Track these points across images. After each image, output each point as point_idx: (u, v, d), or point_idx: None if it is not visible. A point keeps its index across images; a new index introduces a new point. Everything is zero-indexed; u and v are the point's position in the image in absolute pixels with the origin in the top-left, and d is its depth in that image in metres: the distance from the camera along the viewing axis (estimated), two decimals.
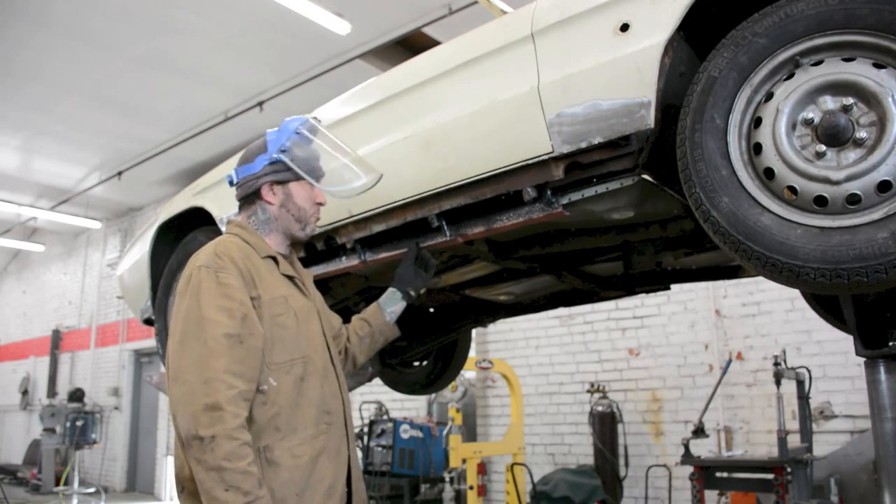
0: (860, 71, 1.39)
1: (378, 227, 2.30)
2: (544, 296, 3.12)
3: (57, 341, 14.13)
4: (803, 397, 4.78)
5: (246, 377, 1.55)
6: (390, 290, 2.19)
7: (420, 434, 7.19)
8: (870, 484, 4.60)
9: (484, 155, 1.95)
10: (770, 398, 5.64)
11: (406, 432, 7.11)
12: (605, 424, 6.40)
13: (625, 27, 1.67)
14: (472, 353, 4.72)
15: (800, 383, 4.78)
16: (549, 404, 7.41)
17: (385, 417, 7.52)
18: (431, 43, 6.60)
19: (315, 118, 1.97)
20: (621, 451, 6.47)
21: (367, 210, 2.28)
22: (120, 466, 12.13)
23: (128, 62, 7.54)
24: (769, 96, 1.49)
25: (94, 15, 6.64)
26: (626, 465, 6.44)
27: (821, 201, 1.40)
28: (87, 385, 12.41)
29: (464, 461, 6.15)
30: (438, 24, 6.54)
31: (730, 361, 5.96)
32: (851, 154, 1.39)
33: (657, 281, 2.86)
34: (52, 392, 13.44)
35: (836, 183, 1.38)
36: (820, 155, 1.41)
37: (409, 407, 8.42)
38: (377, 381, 3.68)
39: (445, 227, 2.15)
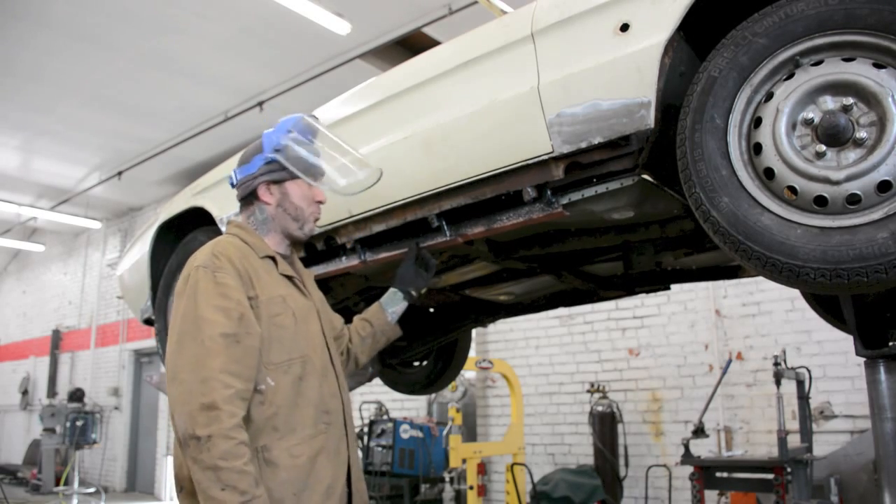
0: (860, 71, 1.39)
1: (378, 227, 2.30)
2: (544, 296, 3.12)
3: (57, 341, 14.13)
4: (803, 397, 4.78)
5: (243, 377, 1.55)
6: (391, 290, 2.19)
7: (420, 434, 7.19)
8: (870, 484, 4.60)
9: (484, 155, 1.95)
10: (770, 398, 5.64)
11: (406, 432, 7.11)
12: (605, 424, 6.41)
13: (625, 27, 1.67)
14: (472, 353, 4.72)
15: (800, 383, 4.78)
16: (549, 404, 7.41)
17: (385, 417, 7.52)
18: (431, 43, 6.60)
19: (312, 116, 1.97)
20: (621, 451, 6.47)
21: (367, 210, 2.28)
22: (120, 466, 12.13)
23: (128, 62, 7.54)
24: (769, 96, 1.49)
25: (95, 15, 6.64)
26: (626, 465, 6.44)
27: (821, 201, 1.40)
28: (87, 385, 12.41)
29: (464, 461, 6.15)
30: (438, 24, 6.54)
31: (730, 361, 5.96)
32: (851, 154, 1.39)
33: (657, 281, 2.86)
34: (52, 392, 13.44)
35: (836, 183, 1.38)
36: (820, 155, 1.42)
37: (409, 407, 8.42)
38: (377, 381, 3.68)
39: (445, 227, 2.15)
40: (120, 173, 10.75)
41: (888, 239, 1.30)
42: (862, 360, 2.11)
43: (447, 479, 6.66)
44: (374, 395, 7.86)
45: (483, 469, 6.38)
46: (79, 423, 9.57)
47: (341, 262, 2.48)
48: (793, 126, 1.45)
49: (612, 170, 1.79)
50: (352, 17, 6.42)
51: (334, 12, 6.28)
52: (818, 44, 1.44)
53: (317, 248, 2.53)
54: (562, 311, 6.83)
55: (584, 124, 1.74)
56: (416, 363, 3.76)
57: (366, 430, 7.41)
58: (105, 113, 8.82)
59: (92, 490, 9.84)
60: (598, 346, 7.15)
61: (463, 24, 5.94)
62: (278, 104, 8.14)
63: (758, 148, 1.48)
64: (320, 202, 1.88)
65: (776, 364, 4.69)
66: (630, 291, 2.96)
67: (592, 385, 6.72)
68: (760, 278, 2.12)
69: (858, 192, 1.36)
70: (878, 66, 1.38)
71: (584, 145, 1.76)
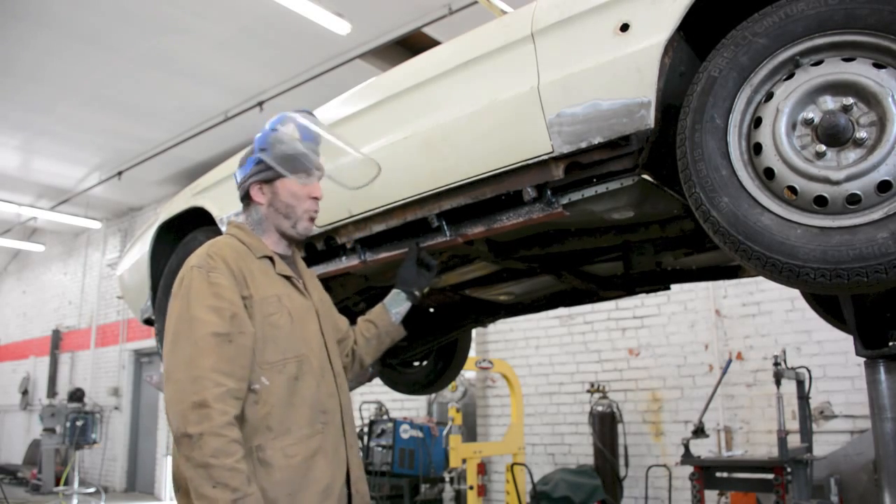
0: (860, 71, 1.39)
1: (378, 227, 2.30)
2: (544, 296, 3.12)
3: (57, 341, 14.13)
4: (803, 397, 4.78)
5: (236, 376, 1.56)
6: (394, 291, 2.19)
7: (420, 434, 7.19)
8: (870, 484, 4.60)
9: (484, 155, 1.95)
10: (770, 398, 5.64)
11: (406, 432, 7.11)
12: (605, 424, 6.41)
13: (625, 27, 1.67)
14: (472, 353, 4.72)
15: (800, 383, 4.78)
16: (549, 404, 7.41)
17: (385, 417, 7.53)
18: (431, 43, 6.60)
19: (305, 112, 1.97)
20: (621, 451, 6.47)
21: (367, 210, 2.28)
22: (120, 466, 12.13)
23: (128, 62, 7.54)
24: (769, 96, 1.49)
25: (95, 15, 6.64)
26: (626, 465, 6.44)
27: (821, 201, 1.40)
28: (87, 385, 12.40)
29: (464, 461, 6.15)
30: (438, 24, 6.54)
31: (730, 361, 5.96)
32: (851, 154, 1.39)
33: (657, 281, 2.86)
34: (52, 392, 13.44)
35: (836, 183, 1.38)
36: (820, 155, 1.42)
37: (409, 407, 8.42)
38: (377, 381, 3.67)
39: (445, 227, 2.15)
40: (120, 173, 10.75)
41: (888, 239, 1.30)
42: (862, 360, 2.11)
43: (447, 479, 6.66)
44: (374, 395, 7.86)
45: (483, 469, 6.38)
46: (79, 423, 9.57)
47: (341, 262, 2.48)
48: (793, 126, 1.45)
49: (612, 170, 1.79)
50: (352, 17, 6.42)
51: (334, 12, 6.28)
52: (818, 44, 1.44)
53: (317, 248, 2.53)
54: (562, 311, 6.82)
55: (584, 124, 1.74)
56: (416, 363, 3.76)
57: (366, 430, 7.41)
58: (105, 113, 8.82)
59: (92, 490, 9.84)
60: (598, 346, 7.15)
61: (463, 24, 5.94)
62: (278, 104, 8.13)
63: (758, 148, 1.48)
64: (315, 198, 1.87)
65: (776, 364, 4.69)
66: (630, 291, 2.96)
67: (592, 385, 6.72)
68: (760, 278, 2.12)
69: (858, 192, 1.36)
70: (878, 66, 1.38)
71: (584, 145, 1.76)
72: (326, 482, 1.66)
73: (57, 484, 10.13)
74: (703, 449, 5.60)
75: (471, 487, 6.05)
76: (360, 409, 7.74)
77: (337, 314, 2.05)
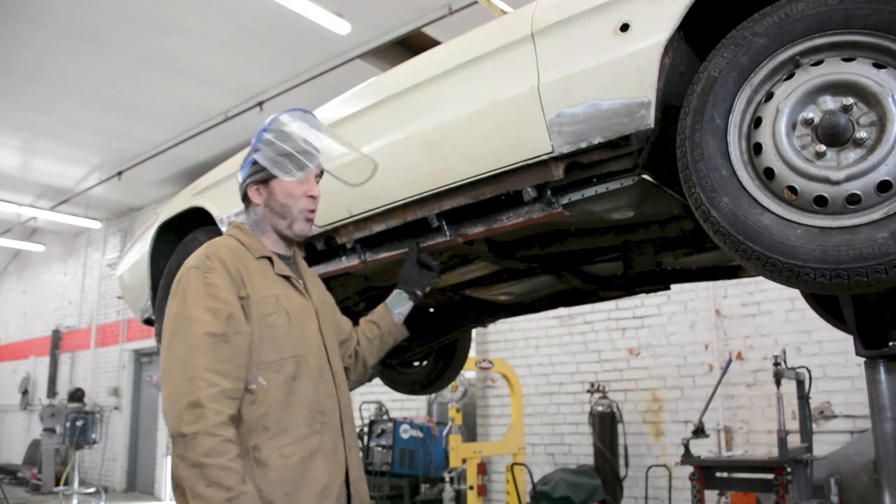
0: (860, 71, 1.39)
1: (378, 227, 2.30)
2: (544, 296, 3.12)
3: (57, 341, 14.13)
4: (803, 397, 4.78)
5: (232, 376, 1.56)
6: (396, 291, 2.19)
7: (420, 434, 7.19)
8: (870, 484, 4.60)
9: (484, 155, 1.96)
10: (770, 398, 5.64)
11: (406, 432, 7.11)
12: (605, 424, 6.40)
13: (625, 27, 1.67)
14: (472, 353, 4.72)
15: (800, 383, 4.78)
16: (549, 404, 7.41)
17: (385, 417, 7.52)
18: (431, 43, 6.60)
19: (301, 110, 1.96)
20: (621, 451, 6.47)
21: (367, 210, 2.28)
22: (120, 466, 12.13)
23: (128, 62, 7.54)
24: (769, 96, 1.49)
25: (95, 15, 6.64)
26: (626, 465, 6.44)
27: (821, 201, 1.40)
28: (87, 385, 12.41)
29: (464, 461, 6.15)
30: (438, 24, 6.54)
31: (730, 361, 5.96)
32: (851, 154, 1.39)
33: (657, 281, 2.86)
34: (52, 392, 13.44)
35: (836, 183, 1.38)
36: (820, 155, 1.42)
37: (409, 407, 8.42)
38: (377, 381, 3.68)
39: (445, 227, 2.15)
40: (120, 173, 10.75)
41: (888, 239, 1.30)
42: (862, 360, 2.11)
43: (447, 479, 6.66)
44: (374, 395, 7.86)
45: (483, 469, 6.38)
46: (79, 423, 9.57)
47: (341, 262, 2.48)
48: (793, 126, 1.45)
49: (612, 170, 1.79)
50: (352, 17, 6.42)
51: (334, 12, 6.28)
52: (818, 44, 1.44)
53: (317, 248, 2.53)
54: (562, 311, 6.82)
55: (584, 124, 1.74)
56: (416, 363, 3.76)
57: (366, 430, 7.41)
58: (105, 113, 8.82)
59: (92, 490, 9.84)
60: (598, 346, 7.15)
61: (463, 24, 5.94)
62: (278, 104, 8.13)
63: (758, 148, 1.48)
64: (312, 196, 1.86)
65: (776, 364, 4.69)
66: (630, 291, 2.96)
67: (592, 385, 6.72)
68: (760, 278, 2.12)
69: (858, 192, 1.36)
70: (878, 66, 1.38)
71: (584, 145, 1.76)
72: (324, 482, 1.66)
73: (57, 484, 10.12)
74: (703, 449, 5.60)
75: (471, 487, 6.05)
76: (360, 409, 7.74)
77: (339, 315, 2.05)
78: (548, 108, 1.79)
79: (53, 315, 14.53)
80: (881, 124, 1.37)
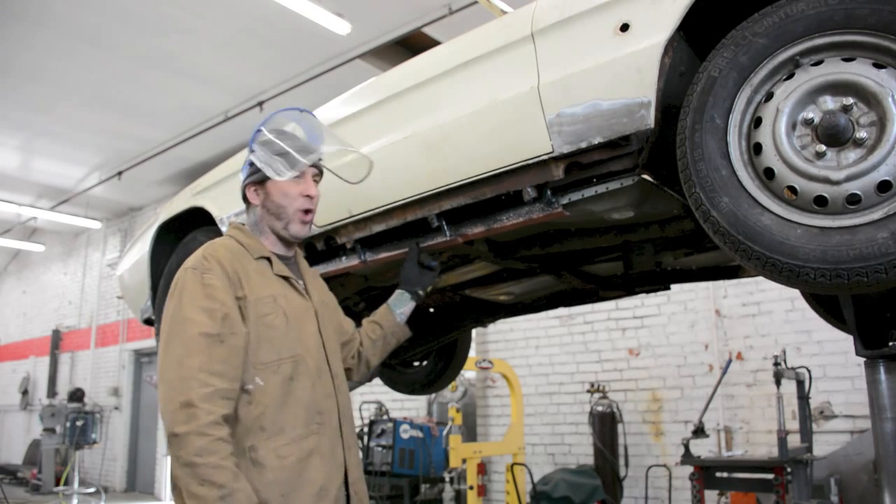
0: (860, 71, 1.39)
1: (378, 227, 2.30)
2: (544, 296, 3.12)
3: (57, 341, 14.13)
4: (803, 397, 4.78)
5: (226, 376, 1.56)
6: (398, 291, 2.19)
7: (420, 434, 7.19)
8: (870, 484, 4.60)
9: (484, 155, 1.96)
10: (770, 398, 5.64)
11: (406, 432, 7.11)
12: (605, 424, 6.40)
13: (625, 27, 1.67)
14: (472, 353, 4.72)
15: (800, 383, 4.78)
16: (549, 404, 7.41)
17: (385, 417, 7.52)
18: (431, 43, 6.60)
19: (298, 109, 1.96)
20: (621, 451, 6.47)
21: (367, 210, 2.28)
22: (120, 466, 12.13)
23: (128, 62, 7.54)
24: (769, 96, 1.49)
25: (95, 15, 6.64)
26: (626, 465, 6.44)
27: (821, 201, 1.40)
28: (87, 385, 12.41)
29: (464, 461, 6.15)
30: (438, 24, 6.54)
31: (730, 361, 5.96)
32: (851, 154, 1.39)
33: (657, 281, 2.86)
34: (52, 392, 13.44)
35: (836, 183, 1.38)
36: (820, 155, 1.42)
37: (409, 407, 8.42)
38: (377, 381, 3.68)
39: (445, 227, 2.15)
40: (120, 173, 10.75)
41: (888, 239, 1.30)
42: (862, 360, 2.11)
43: (447, 479, 6.66)
44: (374, 395, 7.86)
45: (483, 469, 6.38)
46: (79, 423, 9.57)
47: (341, 262, 2.48)
48: (793, 126, 1.45)
49: (612, 170, 1.79)
50: (352, 17, 6.42)
51: (334, 12, 6.28)
52: (818, 44, 1.44)
53: (317, 248, 2.53)
54: (562, 311, 6.82)
55: (584, 124, 1.74)
56: (416, 363, 3.76)
57: (366, 430, 7.41)
58: (105, 113, 8.82)
59: (92, 490, 9.84)
60: (598, 346, 7.15)
61: (463, 24, 5.94)
62: (278, 104, 8.13)
63: (758, 148, 1.48)
64: (308, 196, 1.85)
65: (776, 364, 4.69)
66: (630, 291, 2.96)
67: (592, 385, 6.72)
68: (760, 278, 2.12)
69: (858, 192, 1.36)
70: (878, 66, 1.38)
71: (584, 145, 1.76)
72: (321, 483, 1.66)
73: (57, 484, 10.12)
74: (703, 449, 5.60)
75: (471, 487, 6.05)
76: (360, 409, 7.74)
77: (342, 316, 2.05)
78: (548, 108, 1.79)
79: (53, 315, 14.53)
80: (881, 124, 1.37)
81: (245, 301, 1.67)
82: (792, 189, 1.43)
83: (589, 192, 1.86)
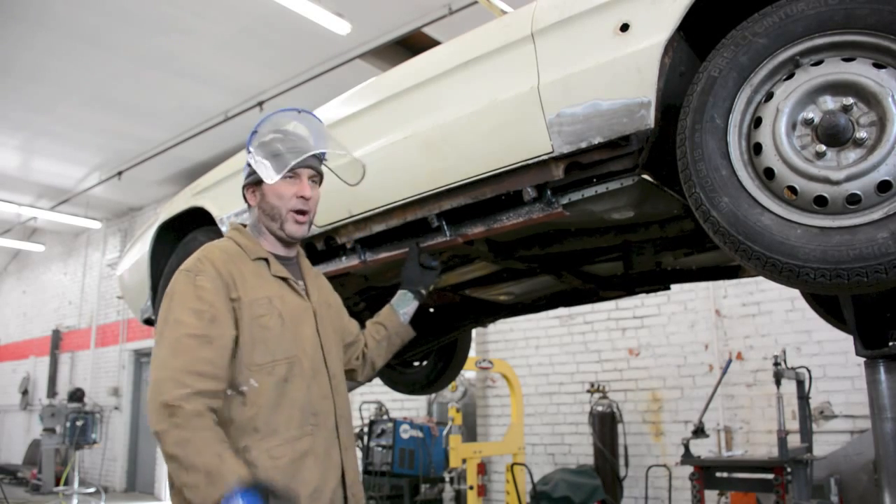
0: (860, 71, 1.39)
1: (378, 227, 2.30)
2: (544, 296, 3.12)
3: (57, 341, 14.13)
4: (803, 397, 4.78)
5: (211, 376, 1.56)
6: (400, 291, 2.19)
7: (420, 434, 7.19)
8: (870, 484, 4.60)
9: (484, 155, 1.96)
10: (770, 398, 5.64)
11: (406, 432, 7.11)
12: (605, 424, 6.40)
13: (625, 27, 1.67)
14: (472, 353, 4.72)
15: (800, 383, 4.78)
16: (549, 404, 7.41)
17: (385, 417, 7.52)
18: (431, 43, 6.60)
19: (297, 110, 1.96)
20: (621, 451, 6.47)
21: (367, 210, 2.28)
22: (120, 466, 12.13)
23: (128, 62, 7.54)
24: (769, 96, 1.49)
25: (95, 15, 6.64)
26: (626, 465, 6.44)
27: (821, 201, 1.40)
28: (87, 385, 12.40)
29: (464, 461, 6.15)
30: (438, 24, 6.54)
31: (730, 361, 5.96)
32: (851, 154, 1.39)
33: (657, 281, 2.86)
34: (52, 392, 13.44)
35: (836, 183, 1.38)
36: (820, 155, 1.42)
37: (409, 407, 8.42)
38: (377, 381, 3.67)
39: (445, 227, 2.15)
40: (120, 173, 10.75)
41: (888, 239, 1.30)
42: (862, 360, 2.11)
43: (447, 479, 6.66)
44: (374, 395, 7.86)
45: (483, 469, 6.38)
46: (79, 423, 9.57)
47: (341, 262, 2.48)
48: (793, 126, 1.45)
49: (612, 170, 1.79)
50: (352, 17, 6.42)
51: (334, 12, 6.28)
52: (818, 44, 1.44)
53: (317, 248, 2.53)
54: (562, 311, 6.82)
55: (584, 124, 1.74)
56: (416, 363, 3.77)
57: (366, 430, 7.41)
58: (105, 113, 8.82)
59: (92, 490, 9.84)
60: (598, 346, 7.15)
61: (463, 24, 5.94)
62: (278, 104, 8.13)
63: (758, 148, 1.48)
64: (303, 197, 1.83)
65: (776, 364, 4.69)
66: (630, 291, 2.96)
67: (592, 385, 6.72)
68: (760, 278, 2.11)
69: (858, 192, 1.36)
70: (878, 66, 1.38)
71: (584, 145, 1.76)
72: (315, 485, 1.66)
73: (57, 484, 10.12)
74: (703, 449, 5.60)
75: (471, 487, 6.05)
76: (360, 409, 7.74)
77: (347, 317, 2.05)
78: (548, 108, 1.79)
79: (53, 315, 14.53)
80: (881, 124, 1.37)
81: (239, 302, 1.68)
82: (792, 189, 1.43)
83: (589, 192, 1.86)
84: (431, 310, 3.33)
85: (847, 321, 2.12)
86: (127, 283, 3.57)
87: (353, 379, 2.08)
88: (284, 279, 1.82)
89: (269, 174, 1.79)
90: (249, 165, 1.85)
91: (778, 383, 4.69)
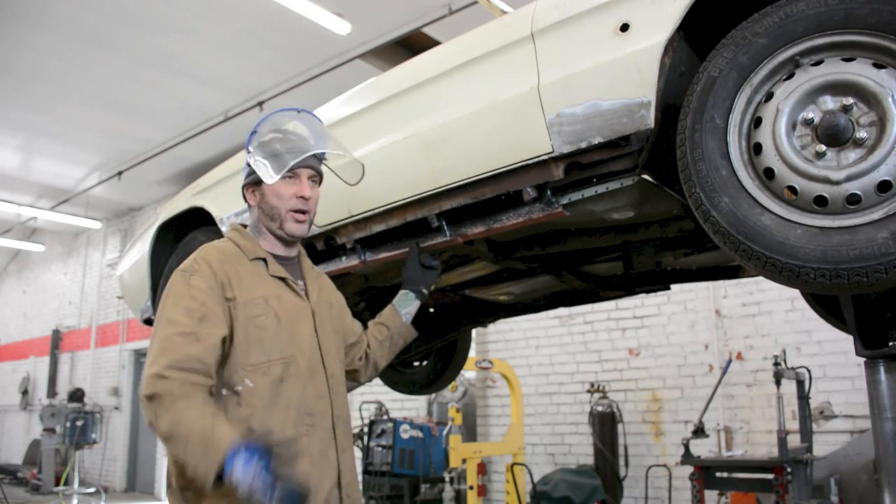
0: (860, 71, 1.39)
1: (378, 227, 2.30)
2: (544, 296, 3.12)
3: (57, 341, 14.13)
4: (803, 397, 4.78)
5: (196, 371, 1.56)
6: (402, 291, 2.19)
7: (420, 434, 7.19)
8: (870, 484, 4.60)
9: (484, 155, 1.96)
10: (770, 398, 5.64)
11: (406, 432, 7.11)
12: (605, 424, 6.40)
13: (625, 27, 1.67)
14: (472, 353, 4.72)
15: (800, 383, 4.78)
16: (549, 404, 7.41)
17: (385, 417, 7.52)
18: (431, 43, 6.60)
19: (296, 110, 1.96)
20: (621, 451, 6.47)
21: (367, 210, 2.28)
22: (120, 466, 12.13)
23: (128, 62, 7.54)
24: (769, 96, 1.49)
25: (95, 15, 6.64)
26: (626, 465, 6.44)
27: (821, 201, 1.40)
28: (87, 385, 12.41)
29: (464, 461, 6.15)
30: (438, 24, 6.54)
31: (730, 361, 5.96)
32: (851, 154, 1.39)
33: (657, 281, 2.86)
34: (52, 392, 13.44)
35: (836, 183, 1.38)
36: (820, 155, 1.42)
37: (409, 407, 8.42)
38: (377, 380, 3.67)
39: (445, 227, 2.15)
40: (120, 173, 10.75)
41: (888, 239, 1.30)
42: (862, 360, 2.11)
43: (447, 479, 6.66)
44: (374, 395, 7.86)
45: (483, 469, 6.38)
46: (79, 423, 9.57)
47: (341, 262, 2.48)
48: (793, 126, 1.45)
49: (612, 170, 1.79)
50: (352, 17, 6.42)
51: (334, 12, 6.28)
52: (818, 44, 1.44)
53: (317, 248, 2.53)
54: (562, 311, 6.83)
55: (584, 124, 1.74)
56: (416, 363, 3.77)
57: (366, 430, 7.41)
58: (105, 113, 8.82)
59: (92, 490, 9.84)
60: (598, 346, 7.15)
61: (463, 24, 5.94)
62: (278, 104, 8.13)
63: (758, 148, 1.48)
64: (302, 197, 1.83)
65: (776, 364, 4.69)
66: (630, 291, 2.96)
67: (592, 385, 6.72)
68: (760, 278, 2.12)
69: (858, 192, 1.36)
70: (878, 66, 1.38)
71: (584, 145, 1.76)
72: (310, 485, 1.65)
73: (57, 484, 10.12)
74: (703, 449, 5.60)
75: (471, 487, 6.05)
76: (360, 409, 7.74)
77: (349, 318, 2.04)
78: (548, 108, 1.79)
79: (53, 315, 14.53)
80: (881, 124, 1.37)
81: (235, 302, 1.68)
82: (792, 189, 1.43)
83: (589, 192, 1.86)
84: (431, 310, 3.33)
85: (847, 321, 2.12)
86: (127, 283, 3.57)
87: (355, 380, 2.08)
88: (283, 279, 1.81)
89: (268, 174, 1.79)
90: (249, 165, 1.85)
91: (778, 383, 4.69)
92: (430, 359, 3.72)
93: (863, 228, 1.34)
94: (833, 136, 1.40)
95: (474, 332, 5.40)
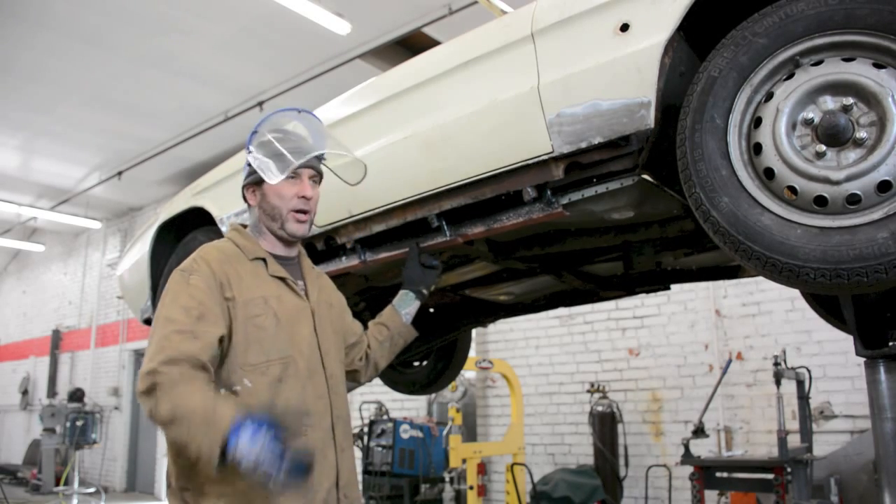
0: (860, 71, 1.39)
1: (378, 227, 2.30)
2: (544, 296, 3.12)
3: (57, 341, 14.13)
4: (803, 397, 4.78)
5: (193, 365, 1.56)
6: (402, 291, 2.19)
7: (420, 434, 7.19)
8: (870, 484, 4.60)
9: (484, 155, 1.96)
10: (770, 398, 5.64)
11: (406, 432, 7.11)
12: (605, 424, 6.40)
13: (625, 27, 1.67)
14: (472, 353, 4.72)
15: (800, 383, 4.78)
16: (549, 404, 7.41)
17: (385, 417, 7.52)
18: (431, 43, 6.60)
19: (296, 110, 1.96)
20: (621, 451, 6.47)
21: (367, 210, 2.28)
22: (120, 466, 12.13)
23: (128, 62, 7.55)
24: (769, 96, 1.49)
25: (95, 15, 6.64)
26: (626, 465, 6.44)
27: (821, 201, 1.40)
28: (87, 385, 12.40)
29: (464, 461, 6.15)
30: (438, 24, 6.54)
31: (730, 361, 5.96)
32: (851, 154, 1.39)
33: (657, 281, 2.86)
34: (52, 392, 13.44)
35: (836, 183, 1.38)
36: (820, 155, 1.42)
37: (409, 407, 8.42)
38: (377, 381, 3.67)
39: (445, 227, 2.15)
40: (120, 173, 10.75)
41: (888, 239, 1.30)
42: (862, 360, 2.11)
43: (447, 479, 6.66)
44: (374, 395, 7.86)
45: (483, 469, 6.38)
46: (79, 423, 9.56)
47: (341, 262, 2.48)
48: (793, 126, 1.45)
49: (612, 170, 1.79)
50: (352, 17, 6.42)
51: (334, 12, 6.28)
52: (818, 44, 1.44)
53: (317, 248, 2.53)
54: (562, 311, 6.83)
55: (584, 124, 1.74)
56: (416, 363, 3.76)
57: (366, 430, 7.41)
58: (105, 113, 8.83)
59: (92, 490, 9.84)
60: (598, 346, 7.15)
61: (463, 24, 5.94)
62: (278, 104, 8.13)
63: (758, 148, 1.48)
64: (303, 197, 1.83)
65: (776, 364, 4.69)
66: (630, 291, 2.96)
67: (592, 385, 6.72)
68: (760, 278, 2.12)
69: (858, 192, 1.36)
70: (878, 66, 1.38)
71: (584, 145, 1.76)
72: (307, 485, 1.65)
73: (57, 484, 10.12)
74: (703, 449, 5.60)
75: (471, 487, 6.05)
76: (360, 409, 7.74)
77: (350, 318, 2.04)
78: (548, 108, 1.79)
79: (53, 315, 14.53)
80: (881, 124, 1.37)
81: (234, 302, 1.68)
82: (792, 189, 1.43)
83: (589, 192, 1.86)
84: (431, 310, 3.33)
85: (847, 321, 2.12)
86: (127, 283, 3.57)
87: (355, 380, 2.08)
88: (282, 279, 1.81)
89: (271, 174, 1.79)
90: (249, 165, 1.85)
91: (778, 383, 4.69)
92: (430, 359, 3.71)
93: (863, 228, 1.34)
94: (833, 136, 1.40)
95: (474, 332, 5.39)
